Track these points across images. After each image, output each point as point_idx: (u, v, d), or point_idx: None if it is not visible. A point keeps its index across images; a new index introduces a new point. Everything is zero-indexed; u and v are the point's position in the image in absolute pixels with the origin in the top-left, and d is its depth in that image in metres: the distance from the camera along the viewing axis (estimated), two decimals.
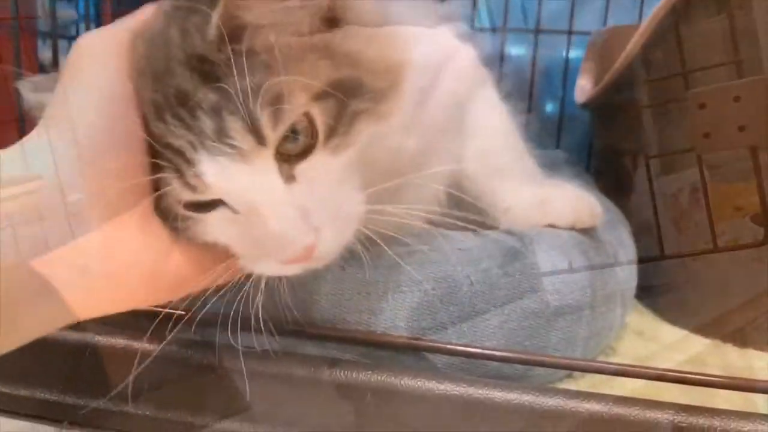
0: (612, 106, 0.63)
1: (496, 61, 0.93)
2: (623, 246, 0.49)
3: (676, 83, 0.52)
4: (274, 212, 0.29)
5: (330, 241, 0.31)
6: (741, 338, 0.51)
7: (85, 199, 0.27)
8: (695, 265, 0.54)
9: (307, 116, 0.29)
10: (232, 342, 0.33)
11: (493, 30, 0.97)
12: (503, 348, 0.39)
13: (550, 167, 0.50)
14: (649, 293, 0.54)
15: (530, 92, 0.94)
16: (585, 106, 0.71)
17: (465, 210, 0.49)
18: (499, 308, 0.39)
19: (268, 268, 0.32)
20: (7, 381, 0.37)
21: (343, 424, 0.34)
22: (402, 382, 0.34)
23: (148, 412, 0.36)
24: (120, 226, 0.29)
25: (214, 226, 0.31)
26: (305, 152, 0.30)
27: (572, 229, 0.44)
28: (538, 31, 0.93)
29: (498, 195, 0.46)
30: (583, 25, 0.92)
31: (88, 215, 0.28)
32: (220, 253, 0.32)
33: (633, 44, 0.55)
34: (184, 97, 0.28)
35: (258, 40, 0.28)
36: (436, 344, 0.37)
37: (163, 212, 0.30)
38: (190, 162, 0.28)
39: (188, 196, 0.29)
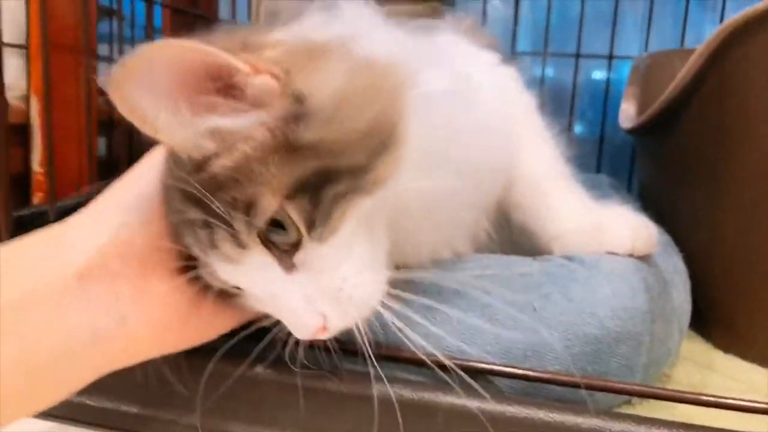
0: (659, 133, 0.63)
1: (537, 85, 0.94)
2: (678, 273, 0.49)
3: (729, 115, 0.53)
4: (283, 303, 0.32)
5: (338, 322, 0.33)
6: None
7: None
8: (749, 292, 0.54)
9: (285, 213, 0.30)
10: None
11: (534, 54, 0.98)
12: (566, 373, 0.39)
13: (596, 191, 0.51)
14: (699, 320, 0.54)
15: (570, 117, 0.95)
16: (631, 131, 0.71)
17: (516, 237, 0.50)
18: (561, 333, 0.40)
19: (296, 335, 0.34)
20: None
21: None
22: (472, 405, 0.34)
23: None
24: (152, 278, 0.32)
25: (247, 299, 0.34)
26: (297, 244, 0.31)
27: (630, 255, 0.44)
28: (578, 56, 0.94)
29: (547, 222, 0.47)
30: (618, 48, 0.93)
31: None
32: None
33: (686, 70, 0.55)
34: (183, 215, 0.31)
35: (217, 164, 0.30)
36: (502, 368, 0.37)
37: None
38: (206, 265, 0.32)
39: (218, 285, 0.33)
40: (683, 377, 0.49)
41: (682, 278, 0.49)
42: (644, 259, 0.44)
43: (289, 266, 0.32)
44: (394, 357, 0.37)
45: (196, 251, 0.32)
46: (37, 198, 0.85)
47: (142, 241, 0.32)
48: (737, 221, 0.54)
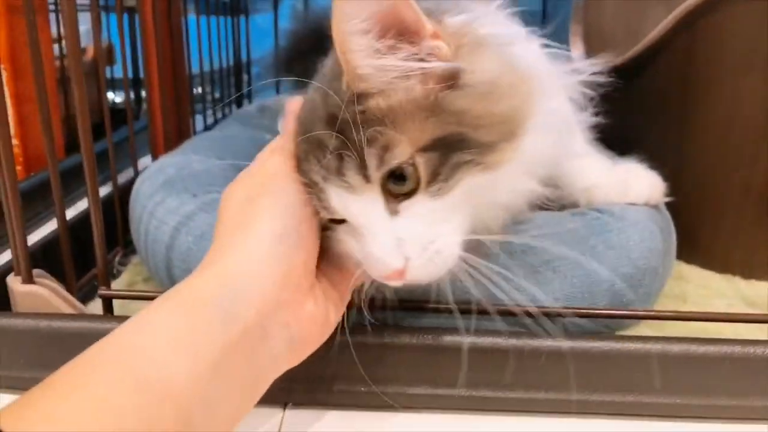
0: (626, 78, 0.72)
1: None
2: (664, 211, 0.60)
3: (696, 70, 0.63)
4: (374, 237, 0.36)
5: (417, 269, 0.37)
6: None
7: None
8: (710, 212, 0.66)
9: (413, 164, 0.35)
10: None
11: None
12: (611, 307, 0.49)
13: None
14: None
15: None
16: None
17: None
18: (607, 275, 0.49)
19: (370, 274, 0.39)
20: None
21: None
22: (564, 344, 0.44)
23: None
24: (305, 300, 0.37)
25: (342, 236, 0.39)
26: (410, 193, 0.36)
27: (646, 204, 0.54)
28: None
29: (578, 176, 0.55)
30: None
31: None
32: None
33: (656, 32, 0.64)
34: (320, 143, 0.36)
35: (373, 101, 0.35)
36: (569, 309, 0.46)
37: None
38: (322, 191, 0.37)
39: (325, 215, 0.38)
40: (666, 289, 0.62)
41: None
42: (655, 206, 0.55)
43: (393, 210, 0.36)
44: (466, 310, 0.43)
45: (315, 177, 0.37)
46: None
47: (299, 269, 0.36)
48: (702, 156, 0.66)
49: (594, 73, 0.44)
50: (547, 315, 0.43)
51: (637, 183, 0.54)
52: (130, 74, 1.07)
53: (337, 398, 0.45)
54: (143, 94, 1.19)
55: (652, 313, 0.49)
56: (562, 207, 0.55)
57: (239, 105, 1.17)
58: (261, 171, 0.39)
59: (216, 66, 1.07)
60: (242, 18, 1.23)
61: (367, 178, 0.35)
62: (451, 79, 0.35)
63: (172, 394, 0.29)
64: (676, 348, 0.44)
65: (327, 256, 0.40)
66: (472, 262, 0.38)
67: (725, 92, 0.62)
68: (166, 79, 0.82)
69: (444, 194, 0.36)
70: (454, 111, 0.35)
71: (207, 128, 0.99)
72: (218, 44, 1.05)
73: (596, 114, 0.50)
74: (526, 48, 0.40)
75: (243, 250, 0.35)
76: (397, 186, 0.36)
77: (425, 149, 0.35)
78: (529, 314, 0.42)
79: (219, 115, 1.11)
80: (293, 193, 0.38)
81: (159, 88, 0.80)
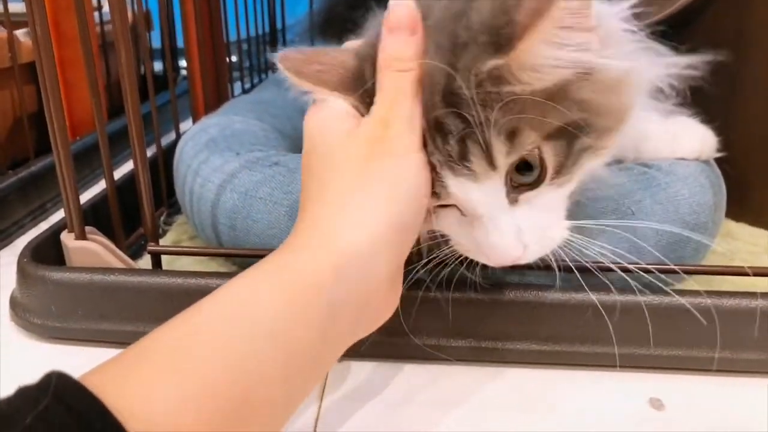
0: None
1: None
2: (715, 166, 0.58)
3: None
4: (495, 227, 0.35)
5: (533, 254, 0.37)
6: None
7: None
8: (759, 170, 0.64)
9: (539, 152, 0.34)
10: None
11: None
12: (659, 262, 0.48)
13: None
14: None
15: None
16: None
17: None
18: (654, 231, 0.49)
19: (478, 259, 0.39)
20: None
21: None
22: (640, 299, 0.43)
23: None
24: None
25: (445, 219, 0.38)
26: (534, 184, 0.35)
27: (697, 159, 0.52)
28: None
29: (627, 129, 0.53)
30: None
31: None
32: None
33: None
34: (441, 125, 0.33)
35: (516, 87, 0.32)
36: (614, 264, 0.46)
37: None
38: (438, 175, 0.35)
39: (434, 201, 0.36)
40: (714, 246, 0.60)
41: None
42: (706, 161, 0.53)
43: (513, 199, 0.35)
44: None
45: (434, 159, 0.34)
46: None
47: (402, 259, 0.36)
48: (752, 112, 0.63)
49: (687, 67, 0.43)
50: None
51: (688, 137, 0.52)
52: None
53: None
54: (181, 63, 1.21)
55: (703, 268, 0.48)
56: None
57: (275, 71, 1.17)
58: (380, 116, 0.34)
59: (252, 33, 1.07)
60: None
61: (493, 165, 0.33)
62: (589, 72, 0.33)
63: (287, 349, 0.29)
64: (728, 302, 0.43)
65: None
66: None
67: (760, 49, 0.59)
68: (205, 47, 0.83)
69: (566, 183, 0.36)
70: (578, 100, 0.33)
71: (245, 92, 0.99)
72: (254, 12, 1.05)
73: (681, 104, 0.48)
74: (632, 43, 0.38)
75: (361, 231, 0.32)
76: (522, 176, 0.34)
77: (552, 136, 0.33)
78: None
79: (256, 80, 1.11)
80: (418, 169, 0.34)
81: (198, 55, 0.81)
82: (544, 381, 0.45)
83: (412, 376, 0.45)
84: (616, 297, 0.43)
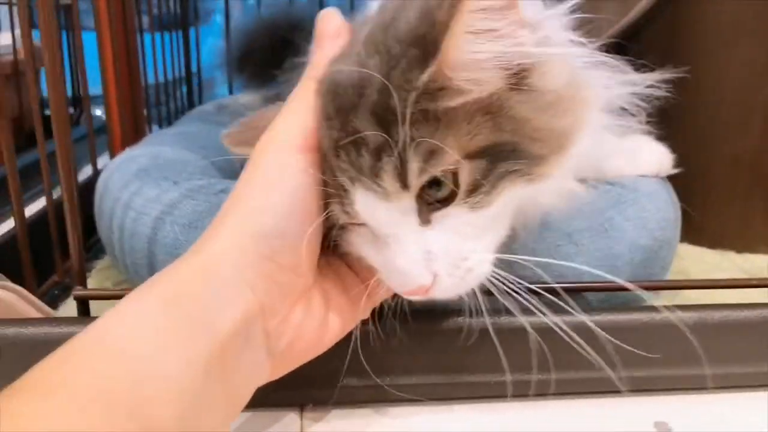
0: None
1: None
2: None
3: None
4: (402, 249, 0.32)
5: (445, 286, 0.33)
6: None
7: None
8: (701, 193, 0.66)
9: (454, 171, 0.31)
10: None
11: None
12: (635, 280, 0.47)
13: None
14: None
15: None
16: None
17: None
18: (626, 247, 0.47)
19: (390, 285, 0.35)
20: None
21: None
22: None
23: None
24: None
25: (359, 239, 0.35)
26: (446, 201, 0.32)
27: (656, 175, 0.52)
28: None
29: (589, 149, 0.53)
30: None
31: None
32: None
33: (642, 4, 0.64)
34: (356, 137, 0.31)
35: (445, 99, 0.30)
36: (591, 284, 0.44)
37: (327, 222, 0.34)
38: (347, 192, 0.32)
39: (344, 219, 0.33)
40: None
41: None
42: (663, 177, 0.53)
43: (425, 219, 0.32)
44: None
45: (341, 174, 0.32)
46: None
47: (286, 274, 0.33)
48: (690, 129, 0.65)
49: (649, 86, 0.41)
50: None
51: (647, 154, 0.52)
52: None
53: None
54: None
55: (686, 283, 0.47)
56: None
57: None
58: (271, 131, 0.34)
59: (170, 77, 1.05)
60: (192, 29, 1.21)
61: (405, 184, 0.31)
62: (523, 77, 0.31)
63: (168, 393, 0.27)
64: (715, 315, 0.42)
65: (336, 255, 0.37)
66: (501, 277, 0.34)
67: (712, 64, 0.62)
68: (124, 93, 0.79)
69: (483, 206, 0.32)
70: (513, 117, 0.31)
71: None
72: (171, 57, 1.04)
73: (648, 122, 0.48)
74: (583, 57, 0.36)
75: (224, 241, 0.32)
76: (435, 192, 0.32)
77: (473, 156, 0.31)
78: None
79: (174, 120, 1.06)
80: (296, 178, 0.32)
81: (117, 101, 0.76)
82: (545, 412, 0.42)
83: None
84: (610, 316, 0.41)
